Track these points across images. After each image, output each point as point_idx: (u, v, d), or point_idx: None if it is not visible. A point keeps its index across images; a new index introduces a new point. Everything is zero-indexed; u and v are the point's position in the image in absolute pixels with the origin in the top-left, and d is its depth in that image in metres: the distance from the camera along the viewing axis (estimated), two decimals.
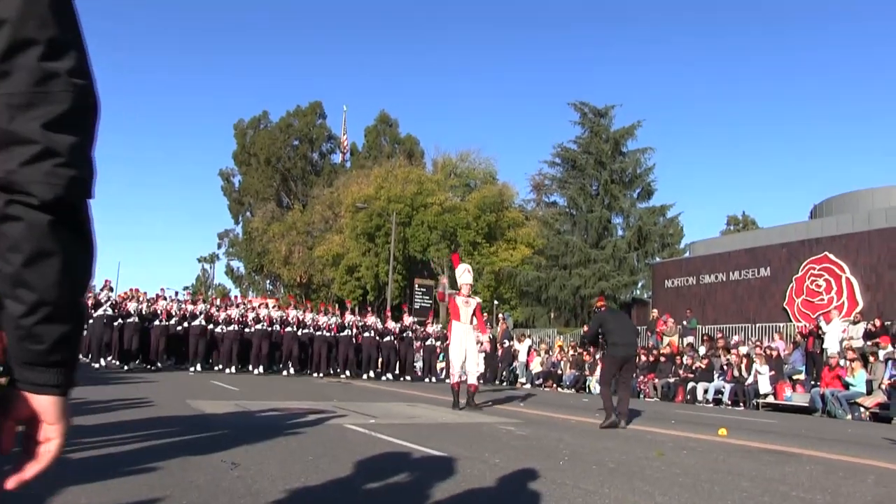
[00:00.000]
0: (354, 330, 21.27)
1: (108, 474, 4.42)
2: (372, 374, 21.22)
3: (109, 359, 18.61)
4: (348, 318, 21.67)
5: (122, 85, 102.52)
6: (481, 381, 20.98)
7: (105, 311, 17.67)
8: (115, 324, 18.17)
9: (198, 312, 19.31)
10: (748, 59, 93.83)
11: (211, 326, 19.51)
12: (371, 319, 21.96)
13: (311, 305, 23.01)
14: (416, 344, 23.04)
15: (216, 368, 19.46)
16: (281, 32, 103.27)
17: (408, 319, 23.49)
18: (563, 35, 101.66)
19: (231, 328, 19.45)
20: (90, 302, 17.74)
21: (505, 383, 23.05)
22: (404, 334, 22.31)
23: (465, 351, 11.23)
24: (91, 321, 17.79)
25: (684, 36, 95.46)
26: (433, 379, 21.92)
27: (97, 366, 17.36)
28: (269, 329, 19.86)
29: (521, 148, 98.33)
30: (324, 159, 55.59)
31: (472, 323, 11.41)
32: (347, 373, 20.77)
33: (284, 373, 20.08)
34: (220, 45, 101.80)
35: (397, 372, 22.01)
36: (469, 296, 11.49)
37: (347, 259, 40.90)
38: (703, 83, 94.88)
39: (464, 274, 11.59)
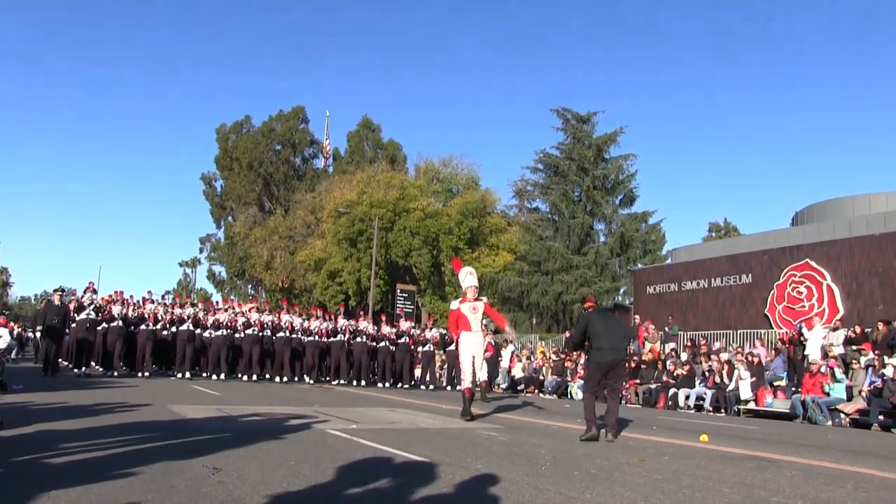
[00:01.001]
0: (347, 335, 20.29)
1: (88, 479, 4.38)
2: (362, 381, 20.04)
3: (92, 364, 17.77)
4: (341, 322, 20.65)
5: (104, 88, 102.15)
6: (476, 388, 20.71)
7: (88, 314, 16.81)
8: (99, 328, 17.24)
9: (185, 317, 18.23)
10: (731, 66, 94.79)
11: (198, 331, 18.40)
12: (363, 324, 20.96)
13: (302, 309, 22.11)
14: (414, 349, 21.80)
15: (204, 375, 18.42)
16: (264, 37, 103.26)
17: (405, 324, 22.44)
18: (547, 42, 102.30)
19: (220, 333, 18.39)
20: (72, 305, 17.10)
21: (502, 389, 22.41)
22: (401, 340, 21.14)
23: (474, 356, 10.62)
24: (73, 325, 17.01)
25: (667, 44, 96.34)
26: (431, 386, 20.99)
27: (79, 371, 16.57)
28: (260, 334, 18.81)
29: (503, 153, 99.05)
30: (306, 164, 55.53)
31: (482, 329, 10.98)
32: (339, 380, 19.78)
33: (277, 379, 18.95)
34: (203, 49, 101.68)
35: (393, 379, 20.84)
36: (475, 299, 10.83)
37: (329, 264, 40.79)
38: (685, 90, 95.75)
39: (467, 277, 11.12)
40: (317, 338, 19.76)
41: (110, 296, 18.62)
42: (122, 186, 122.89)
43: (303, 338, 19.68)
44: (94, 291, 17.71)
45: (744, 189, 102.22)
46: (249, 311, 20.01)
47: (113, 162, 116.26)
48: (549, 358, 23.17)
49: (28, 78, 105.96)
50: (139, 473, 4.68)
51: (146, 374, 17.25)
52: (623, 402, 18.59)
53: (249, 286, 54.35)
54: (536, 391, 21.79)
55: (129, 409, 9.15)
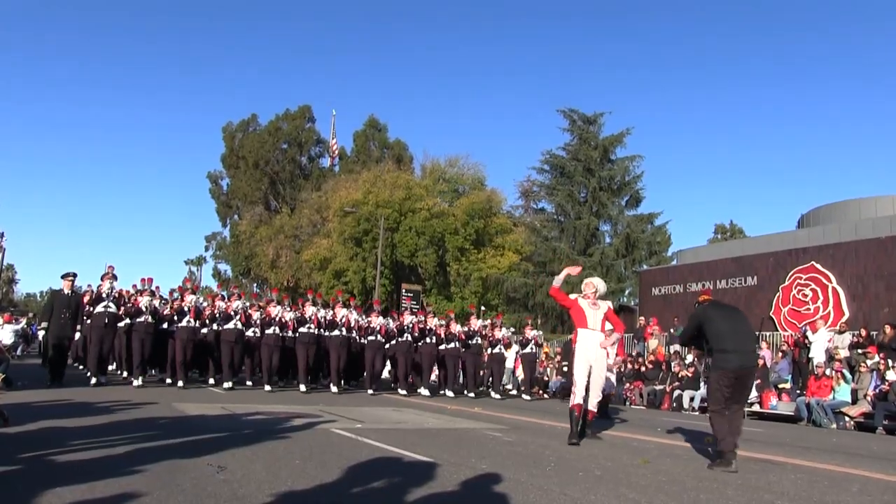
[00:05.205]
0: (416, 334, 17.11)
1: (93, 476, 4.40)
2: (426, 390, 17.20)
3: (113, 370, 15.16)
4: (408, 318, 17.44)
5: (110, 86, 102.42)
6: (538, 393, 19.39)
7: (107, 307, 13.26)
8: (121, 324, 13.93)
9: (232, 312, 14.65)
10: (738, 68, 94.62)
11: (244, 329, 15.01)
12: (434, 322, 17.96)
13: (356, 306, 18.93)
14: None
15: (248, 383, 15.73)
16: (271, 36, 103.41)
17: (476, 323, 19.18)
18: (554, 42, 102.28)
19: (272, 332, 15.02)
20: (86, 298, 13.91)
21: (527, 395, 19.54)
22: (472, 341, 18.22)
23: (591, 366, 8.27)
24: (88, 320, 13.62)
25: (674, 46, 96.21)
26: (499, 394, 18.47)
27: (96, 381, 12.89)
28: (317, 333, 15.54)
29: (509, 154, 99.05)
30: (312, 163, 55.51)
31: (603, 329, 8.49)
32: (402, 388, 16.89)
33: (334, 389, 15.49)
34: (210, 48, 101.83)
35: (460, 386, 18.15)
36: (595, 302, 8.54)
37: (335, 263, 40.79)
38: (692, 92, 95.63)
39: (586, 281, 8.84)
40: (379, 337, 16.52)
41: (134, 285, 15.58)
42: (128, 184, 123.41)
43: (365, 337, 16.65)
44: (115, 277, 13.88)
45: (750, 191, 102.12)
46: (304, 305, 16.45)
47: (119, 160, 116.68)
48: (554, 359, 23.13)
49: (34, 75, 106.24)
50: (144, 471, 4.70)
51: (180, 382, 13.97)
52: (627, 402, 18.62)
53: (254, 285, 54.42)
54: (541, 392, 21.75)
55: (134, 407, 9.18)
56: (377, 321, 16.69)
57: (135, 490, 4.11)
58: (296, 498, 4.29)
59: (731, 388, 6.85)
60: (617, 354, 13.99)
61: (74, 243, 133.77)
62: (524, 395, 19.18)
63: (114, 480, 4.35)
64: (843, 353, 16.26)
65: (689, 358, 19.52)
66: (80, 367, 15.88)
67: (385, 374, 19.12)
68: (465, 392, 17.96)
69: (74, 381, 12.94)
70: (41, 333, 15.27)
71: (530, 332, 19.54)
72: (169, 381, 14.33)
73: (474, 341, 18.37)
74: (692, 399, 17.59)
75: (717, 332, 6.90)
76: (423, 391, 17.17)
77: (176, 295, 15.81)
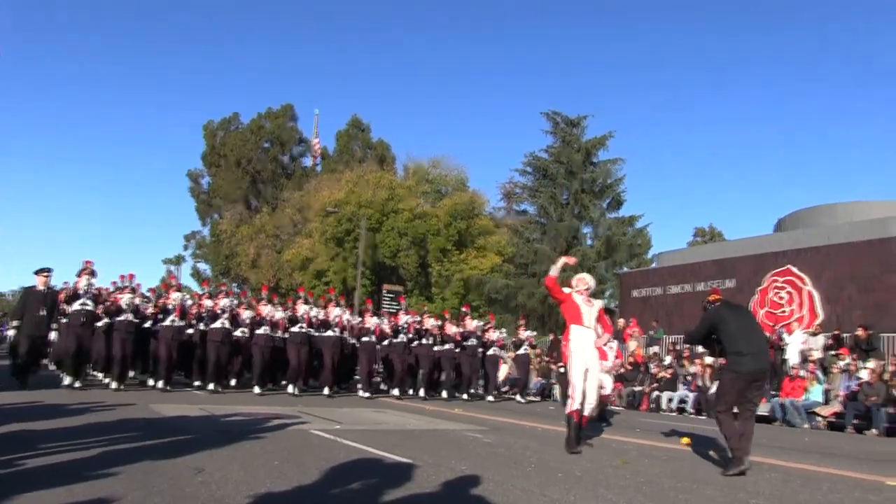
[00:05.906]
0: (411, 334, 16.61)
1: (69, 479, 4.37)
2: (417, 392, 16.92)
3: (91, 371, 14.38)
4: (403, 318, 16.97)
5: (89, 82, 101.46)
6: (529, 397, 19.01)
7: (84, 305, 12.45)
8: (100, 324, 13.04)
9: (219, 310, 14.17)
10: (720, 72, 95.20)
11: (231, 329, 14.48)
12: (430, 322, 17.33)
13: (348, 306, 17.97)
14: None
15: (233, 384, 15.21)
16: (253, 34, 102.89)
17: (472, 323, 18.43)
18: (538, 44, 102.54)
19: (262, 332, 14.58)
20: (62, 296, 12.86)
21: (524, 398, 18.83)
22: (467, 342, 17.57)
23: (587, 367, 7.77)
24: (64, 319, 12.78)
25: (656, 49, 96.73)
26: (492, 397, 18.02)
27: (69, 382, 12.48)
28: (308, 333, 14.93)
29: (492, 156, 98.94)
30: (294, 162, 55.29)
31: (596, 329, 8.11)
32: (397, 390, 16.26)
33: (326, 391, 15.00)
34: (192, 45, 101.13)
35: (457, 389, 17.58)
36: (589, 299, 8.22)
37: (316, 263, 40.65)
38: (674, 96, 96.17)
39: (581, 279, 8.43)
40: (374, 338, 15.91)
41: (114, 282, 14.89)
42: (105, 181, 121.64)
43: (358, 339, 16.10)
44: (93, 274, 13.08)
45: (729, 195, 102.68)
46: (296, 303, 15.92)
47: (97, 156, 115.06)
48: (534, 360, 23.18)
49: (26, 74, 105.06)
50: (120, 473, 4.67)
51: (160, 383, 13.48)
52: (606, 404, 18.68)
53: (234, 285, 54.13)
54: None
55: (110, 409, 9.11)
56: (371, 321, 16.17)
57: (111, 493, 4.09)
58: (274, 499, 4.29)
59: (746, 391, 6.71)
60: (617, 357, 13.94)
61: (47, 241, 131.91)
62: (518, 398, 18.66)
63: (89, 483, 4.32)
64: (817, 354, 16.47)
65: (668, 359, 19.66)
66: (56, 367, 15.17)
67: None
68: (458, 394, 17.46)
69: (47, 383, 12.62)
70: (11, 333, 14.23)
71: (524, 333, 19.21)
72: (151, 382, 13.87)
73: (469, 342, 17.71)
74: (670, 400, 17.73)
75: (732, 334, 6.73)
76: (420, 392, 16.86)
77: (160, 292, 15.25)
